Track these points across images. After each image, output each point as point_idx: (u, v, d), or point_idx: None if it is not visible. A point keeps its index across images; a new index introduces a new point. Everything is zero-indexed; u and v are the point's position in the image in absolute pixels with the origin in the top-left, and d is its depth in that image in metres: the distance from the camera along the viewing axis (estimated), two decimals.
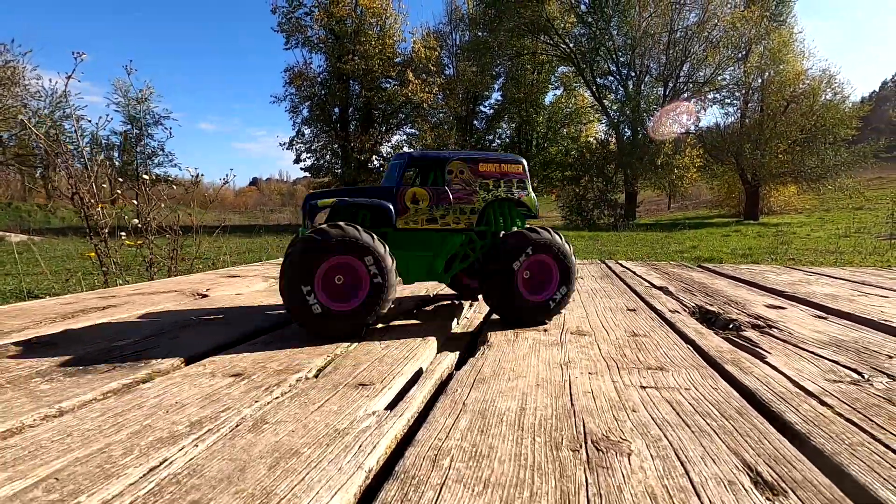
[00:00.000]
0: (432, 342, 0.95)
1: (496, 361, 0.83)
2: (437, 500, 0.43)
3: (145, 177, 3.15)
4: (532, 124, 20.96)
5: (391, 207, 1.07)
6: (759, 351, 0.88)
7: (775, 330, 1.05)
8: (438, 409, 0.63)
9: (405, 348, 0.90)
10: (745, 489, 0.44)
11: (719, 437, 0.54)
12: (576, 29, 19.14)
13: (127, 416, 0.60)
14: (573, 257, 1.11)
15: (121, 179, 3.59)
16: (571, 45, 18.79)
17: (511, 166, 1.16)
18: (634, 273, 2.10)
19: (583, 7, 18.76)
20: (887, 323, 1.10)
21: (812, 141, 17.60)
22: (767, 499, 0.43)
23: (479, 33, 19.59)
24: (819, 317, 1.19)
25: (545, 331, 1.06)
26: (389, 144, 19.04)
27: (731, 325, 1.11)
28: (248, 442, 0.53)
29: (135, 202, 3.33)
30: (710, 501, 0.42)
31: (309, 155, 18.73)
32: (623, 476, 0.46)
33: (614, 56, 18.80)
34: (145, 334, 1.01)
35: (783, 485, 0.45)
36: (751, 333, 1.02)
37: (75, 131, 3.50)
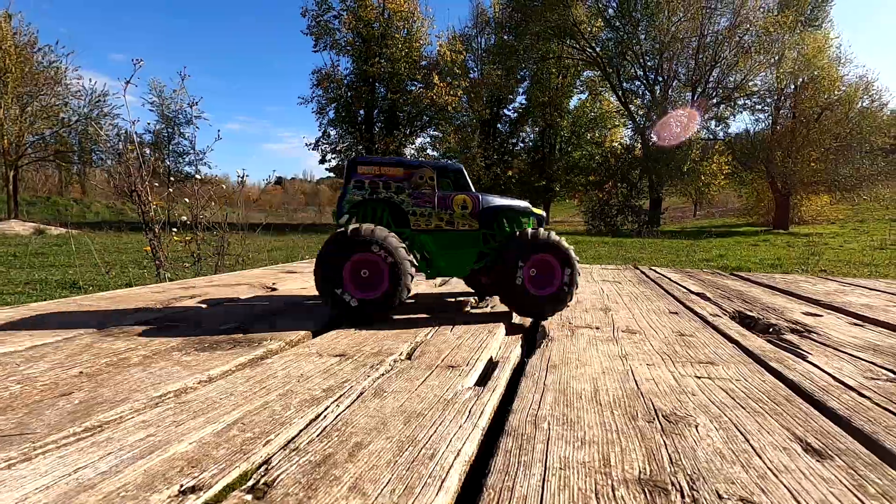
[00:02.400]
0: (497, 334, 1.06)
1: (561, 352, 0.94)
2: (546, 451, 0.54)
3: (198, 176, 3.35)
4: (556, 128, 20.89)
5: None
6: (801, 351, 0.97)
7: (814, 334, 1.13)
8: (524, 388, 0.74)
9: (475, 339, 1.01)
10: (798, 453, 0.54)
11: (771, 417, 0.64)
12: (603, 33, 19.04)
13: (267, 383, 0.73)
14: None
15: (171, 178, 3.81)
16: (598, 50, 18.70)
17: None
18: (670, 279, 2.18)
19: (610, 11, 18.65)
20: None
21: (847, 149, 17.09)
22: (817, 460, 0.53)
23: (505, 37, 19.67)
24: (855, 324, 1.26)
25: (598, 328, 1.16)
26: (413, 146, 19.26)
27: (770, 329, 1.19)
28: (378, 405, 0.65)
29: (186, 200, 3.54)
30: (769, 460, 0.52)
31: (334, 156, 19.11)
32: (694, 441, 0.57)
33: (641, 60, 18.63)
34: (243, 319, 1.15)
35: (829, 451, 0.54)
36: (791, 337, 1.10)
37: (115, 129, 3.74)
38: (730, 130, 19.69)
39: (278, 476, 0.47)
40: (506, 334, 1.14)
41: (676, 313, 1.37)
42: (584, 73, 20.94)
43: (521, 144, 22.12)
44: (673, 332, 1.13)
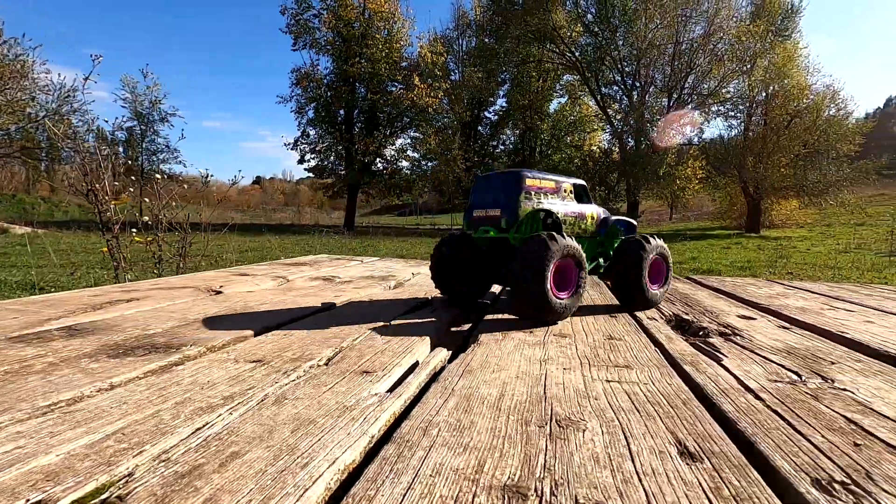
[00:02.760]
0: (427, 339, 1.07)
1: (483, 357, 0.94)
2: (425, 458, 0.54)
3: (158, 176, 3.28)
4: (536, 131, 21.11)
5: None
6: (718, 354, 0.99)
7: (738, 337, 1.16)
8: (431, 393, 0.74)
9: (403, 344, 1.01)
10: (671, 456, 0.55)
11: (661, 420, 0.66)
12: (582, 38, 19.32)
13: (169, 390, 0.72)
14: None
15: (133, 177, 3.72)
16: (577, 54, 18.96)
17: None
18: None
19: (589, 17, 18.94)
20: (842, 334, 1.21)
21: (815, 156, 17.71)
22: (686, 463, 0.54)
23: (486, 40, 19.78)
24: (783, 327, 1.30)
25: (531, 332, 1.17)
26: (394, 147, 19.21)
27: (700, 332, 1.22)
28: (273, 412, 0.65)
29: (146, 200, 3.45)
30: (640, 464, 0.53)
31: (313, 156, 18.91)
32: (575, 445, 0.58)
33: (619, 66, 18.96)
34: (172, 325, 1.13)
35: (702, 454, 0.56)
36: (716, 340, 1.13)
37: (85, 126, 3.63)
38: (704, 136, 20.19)
39: (135, 489, 0.46)
40: (442, 337, 1.14)
41: (615, 316, 1.39)
42: (564, 78, 21.22)
43: (502, 147, 22.27)
44: (603, 336, 1.14)
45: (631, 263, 1.44)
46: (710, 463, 0.54)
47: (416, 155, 19.68)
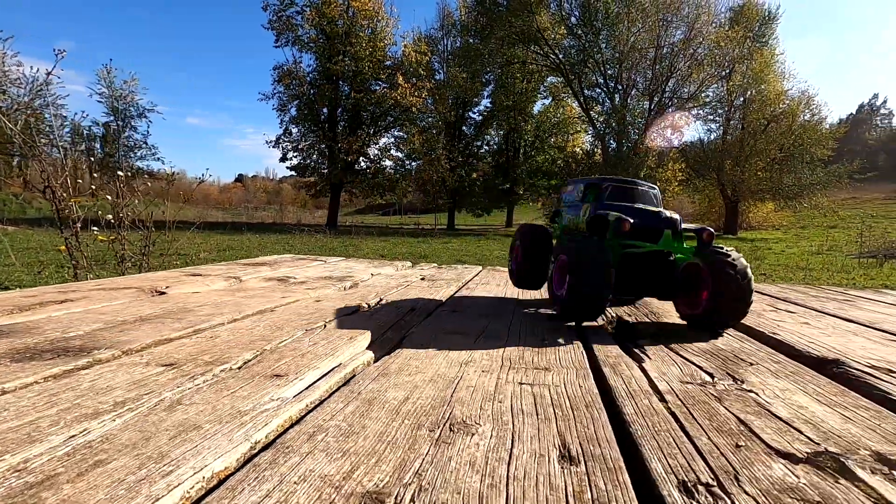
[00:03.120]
0: (357, 341, 1.06)
1: (406, 360, 0.94)
2: (299, 464, 0.53)
3: (120, 173, 3.20)
4: (520, 132, 21.22)
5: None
6: (642, 356, 1.01)
7: (670, 339, 1.17)
8: (335, 398, 0.73)
9: (330, 346, 1.00)
10: (550, 460, 0.55)
11: (556, 423, 0.66)
12: (566, 40, 19.50)
13: (61, 396, 0.70)
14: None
15: (95, 174, 3.63)
16: (561, 56, 19.13)
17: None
18: None
19: (573, 19, 19.13)
20: (773, 335, 1.23)
21: (790, 160, 18.16)
22: (563, 467, 0.54)
23: (471, 40, 19.82)
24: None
25: (465, 334, 1.17)
26: (377, 147, 19.12)
27: (634, 334, 1.23)
28: (160, 418, 0.63)
29: (108, 197, 3.37)
30: (515, 468, 0.53)
31: (295, 154, 18.74)
32: (458, 450, 0.57)
33: (602, 69, 19.19)
34: (96, 328, 1.10)
35: (582, 457, 0.56)
36: (646, 342, 1.15)
37: (53, 120, 3.53)
38: (684, 139, 20.52)
39: None
40: (380, 339, 1.13)
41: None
42: (548, 79, 21.39)
43: (486, 147, 22.34)
44: (537, 339, 1.15)
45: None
46: (586, 466, 0.54)
47: (400, 154, 19.64)
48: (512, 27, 18.08)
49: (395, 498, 0.47)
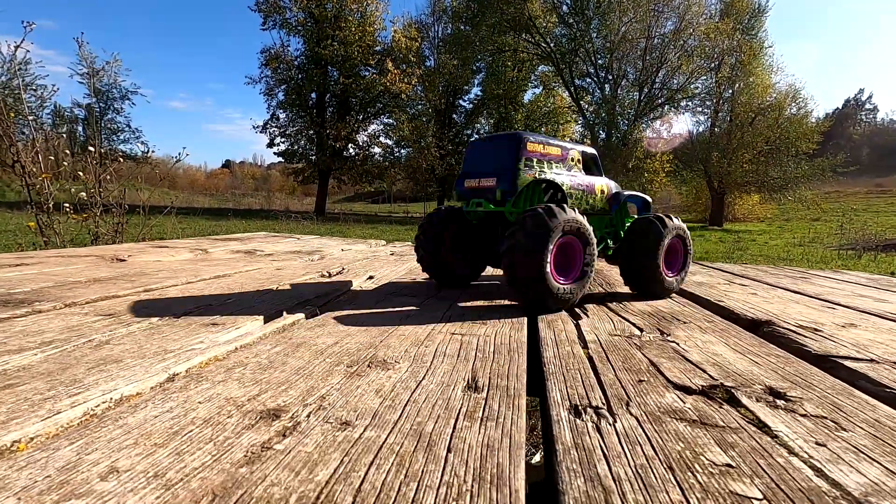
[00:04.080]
0: (305, 298, 1.07)
1: (348, 314, 0.96)
2: (209, 389, 0.55)
3: (91, 149, 3.15)
4: (510, 121, 21.14)
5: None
6: (581, 315, 1.04)
7: (617, 304, 1.21)
8: (265, 341, 0.75)
9: (276, 302, 1.02)
10: (454, 388, 0.58)
11: (474, 364, 0.68)
12: (557, 29, 19.38)
13: None
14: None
15: (67, 152, 3.57)
16: (552, 45, 19.02)
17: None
18: None
19: (565, 8, 19.00)
20: (718, 302, 1.27)
21: (776, 152, 18.36)
22: (464, 393, 0.57)
23: (461, 27, 19.62)
24: (670, 298, 1.36)
25: (416, 296, 1.19)
26: (366, 133, 18.95)
27: (584, 302, 1.26)
28: (83, 354, 0.65)
29: (80, 173, 3.32)
30: (418, 394, 0.56)
31: (283, 139, 18.48)
32: (369, 380, 0.60)
33: (593, 58, 19.13)
34: (45, 286, 1.10)
35: (487, 387, 0.59)
36: (592, 306, 1.18)
37: (21, 91, 3.46)
38: (672, 131, 20.64)
39: None
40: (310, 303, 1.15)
41: None
42: (539, 68, 21.29)
43: (476, 136, 22.23)
44: (488, 301, 1.17)
45: (645, 246, 1.23)
46: (487, 393, 0.57)
47: (389, 142, 19.49)
48: (503, 14, 17.91)
49: (292, 415, 0.49)
